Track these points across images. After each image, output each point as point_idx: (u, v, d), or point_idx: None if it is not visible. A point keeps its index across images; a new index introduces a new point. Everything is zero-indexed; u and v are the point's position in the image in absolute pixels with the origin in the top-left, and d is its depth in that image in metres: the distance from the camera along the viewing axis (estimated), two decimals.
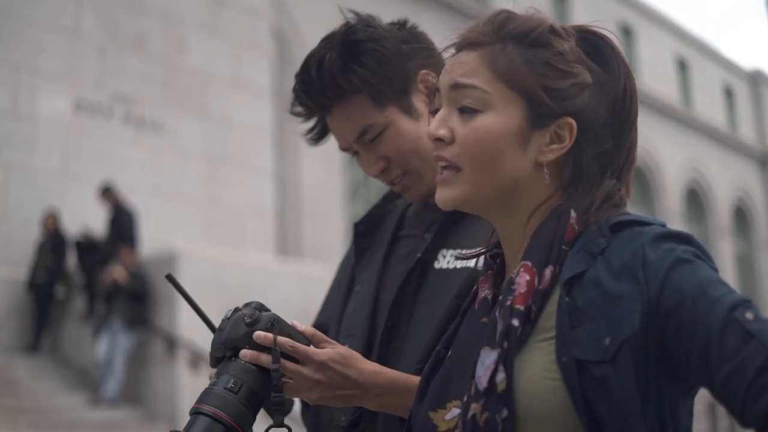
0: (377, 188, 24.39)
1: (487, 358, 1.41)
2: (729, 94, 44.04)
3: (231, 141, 17.79)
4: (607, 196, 1.51)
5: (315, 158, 21.84)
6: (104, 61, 16.06)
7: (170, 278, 1.81)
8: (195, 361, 12.07)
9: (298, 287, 13.54)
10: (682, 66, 40.87)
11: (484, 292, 1.59)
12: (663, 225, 1.46)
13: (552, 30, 1.56)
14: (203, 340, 13.38)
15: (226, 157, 17.69)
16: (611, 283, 1.40)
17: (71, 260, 14.12)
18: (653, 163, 35.70)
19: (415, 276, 2.08)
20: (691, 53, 41.47)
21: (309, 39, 23.44)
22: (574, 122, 1.51)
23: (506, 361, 1.39)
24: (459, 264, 2.02)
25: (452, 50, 1.61)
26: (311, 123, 2.26)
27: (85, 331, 13.26)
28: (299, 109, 2.20)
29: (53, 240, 13.88)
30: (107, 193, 14.10)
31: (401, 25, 2.22)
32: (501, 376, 1.38)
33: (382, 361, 1.97)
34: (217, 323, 1.78)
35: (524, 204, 1.54)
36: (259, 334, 1.68)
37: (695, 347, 1.32)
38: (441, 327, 1.94)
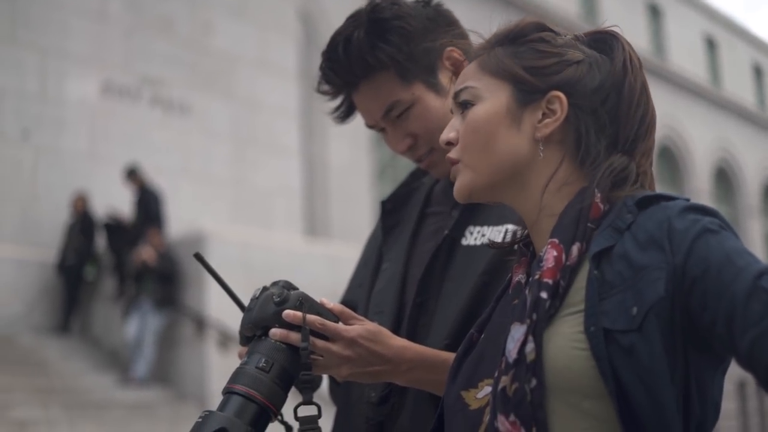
0: (405, 168, 24.35)
1: (517, 332, 1.45)
2: (758, 72, 43.69)
3: (258, 122, 17.81)
4: (621, 171, 1.54)
5: (342, 139, 21.85)
6: (131, 44, 16.10)
7: (198, 257, 1.83)
8: (224, 341, 12.12)
9: (326, 268, 13.57)
10: (711, 45, 40.58)
11: (518, 277, 1.61)
12: (687, 200, 1.48)
13: (538, 26, 1.64)
14: (232, 320, 13.37)
15: (253, 138, 17.72)
16: (638, 254, 1.43)
17: (100, 242, 14.21)
18: (682, 143, 35.51)
19: (442, 253, 2.10)
20: (719, 32, 41.14)
21: (335, 20, 23.30)
22: (562, 95, 1.56)
23: (535, 332, 1.42)
24: (486, 241, 2.02)
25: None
26: (338, 101, 2.27)
27: (115, 312, 13.34)
28: (326, 87, 2.22)
29: (82, 222, 13.96)
30: (132, 175, 14.16)
31: (426, 2, 2.23)
32: (530, 346, 1.41)
33: (411, 337, 2.00)
34: (246, 302, 1.81)
35: (532, 181, 1.59)
36: (289, 313, 1.71)
37: (720, 315, 1.34)
38: (468, 303, 1.97)
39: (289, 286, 1.78)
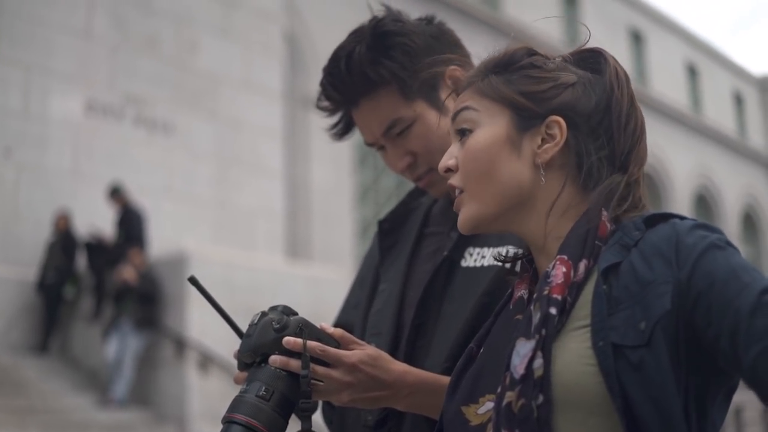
0: (386, 191, 24.40)
1: (523, 347, 1.44)
2: (738, 100, 44.00)
3: (241, 143, 17.82)
4: (622, 189, 1.56)
5: (325, 161, 21.87)
6: (116, 62, 16.10)
7: (193, 281, 1.80)
8: (204, 362, 12.08)
9: (308, 289, 13.56)
10: (692, 72, 40.86)
11: (520, 292, 1.61)
12: (695, 220, 1.49)
13: (528, 51, 1.65)
14: (212, 341, 13.31)
15: (237, 158, 17.72)
16: (644, 269, 1.43)
17: (81, 261, 14.14)
18: (662, 169, 35.68)
19: (441, 274, 2.07)
20: (701, 59, 41.46)
21: (320, 41, 23.60)
22: (561, 119, 1.57)
23: (544, 347, 1.42)
24: (486, 262, 2.01)
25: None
26: (335, 118, 2.25)
27: (95, 332, 13.27)
28: (326, 103, 2.20)
29: (64, 240, 13.89)
30: (116, 194, 14.14)
31: (429, 20, 2.22)
32: (539, 362, 1.41)
33: (409, 359, 1.98)
34: (243, 327, 1.79)
35: (537, 207, 1.59)
36: (289, 340, 1.69)
37: (725, 330, 1.34)
38: (468, 325, 1.94)
39: (288, 312, 1.75)
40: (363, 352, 1.78)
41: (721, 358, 1.37)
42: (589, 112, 1.58)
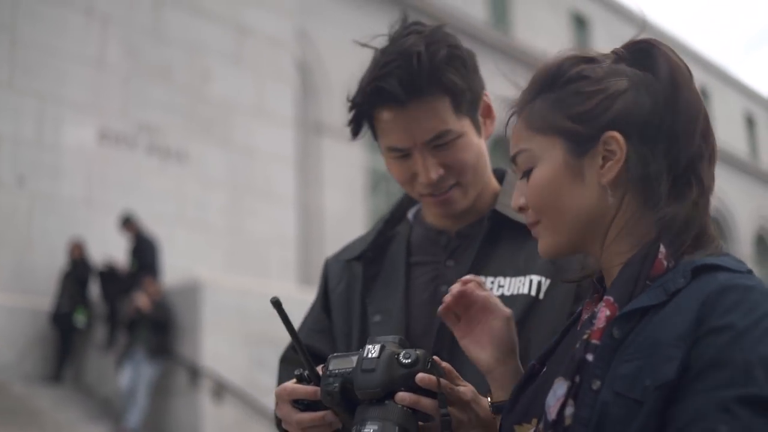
0: None
1: (560, 388, 1.40)
2: (750, 122, 43.92)
3: (254, 170, 17.84)
4: (684, 223, 1.46)
5: (337, 187, 21.88)
6: (129, 91, 16.16)
7: (276, 303, 1.71)
8: (218, 390, 12.05)
9: None
10: (703, 94, 40.58)
11: (588, 314, 1.55)
12: (749, 271, 1.41)
13: (576, 60, 1.56)
14: (226, 370, 13.25)
15: (250, 186, 17.73)
16: (671, 324, 1.35)
17: (95, 289, 14.14)
18: None
19: None
20: (711, 81, 41.40)
21: (331, 68, 23.65)
22: (617, 134, 1.48)
23: (577, 394, 1.37)
24: (506, 291, 2.00)
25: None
26: (350, 116, 2.18)
27: (108, 361, 13.26)
28: (360, 99, 2.13)
29: (78, 269, 13.91)
30: (127, 223, 14.18)
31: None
32: (570, 410, 1.36)
33: None
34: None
35: (601, 227, 1.53)
36: (424, 377, 1.59)
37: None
38: None
39: (404, 343, 1.66)
40: (470, 388, 1.70)
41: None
42: (645, 117, 1.48)
